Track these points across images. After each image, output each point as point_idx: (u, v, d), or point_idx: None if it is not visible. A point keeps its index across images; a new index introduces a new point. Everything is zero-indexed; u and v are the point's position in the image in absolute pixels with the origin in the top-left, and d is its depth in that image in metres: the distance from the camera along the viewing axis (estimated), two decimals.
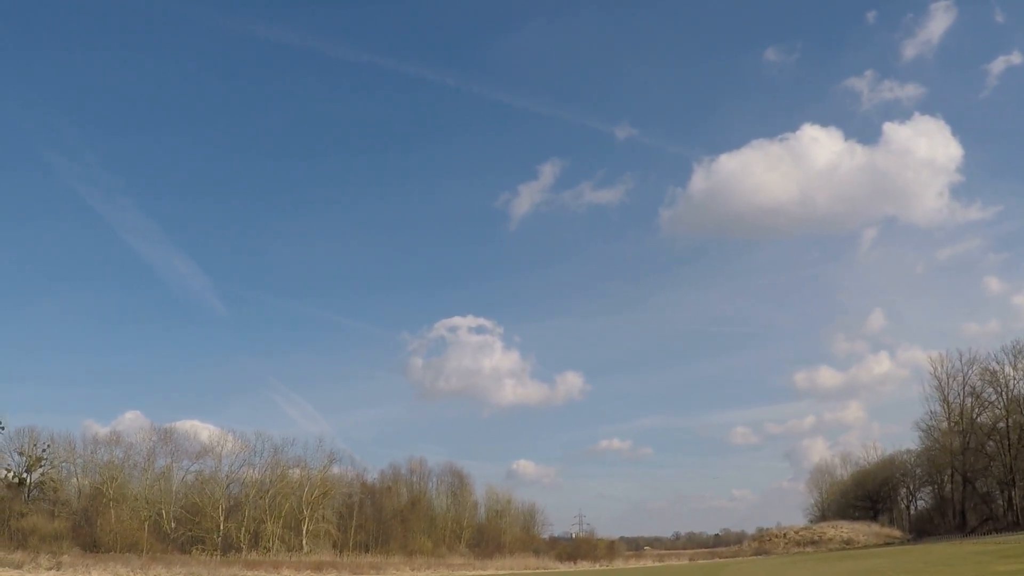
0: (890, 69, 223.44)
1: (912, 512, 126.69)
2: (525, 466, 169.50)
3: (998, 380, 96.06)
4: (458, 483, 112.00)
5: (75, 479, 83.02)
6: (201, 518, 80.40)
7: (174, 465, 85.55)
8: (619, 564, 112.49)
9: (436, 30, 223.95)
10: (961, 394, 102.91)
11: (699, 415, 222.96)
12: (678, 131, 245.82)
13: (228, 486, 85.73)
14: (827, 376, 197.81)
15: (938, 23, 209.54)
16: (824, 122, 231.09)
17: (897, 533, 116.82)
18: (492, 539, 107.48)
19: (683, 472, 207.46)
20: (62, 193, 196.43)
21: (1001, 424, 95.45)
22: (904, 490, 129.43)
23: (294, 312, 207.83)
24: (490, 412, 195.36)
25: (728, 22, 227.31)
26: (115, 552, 65.59)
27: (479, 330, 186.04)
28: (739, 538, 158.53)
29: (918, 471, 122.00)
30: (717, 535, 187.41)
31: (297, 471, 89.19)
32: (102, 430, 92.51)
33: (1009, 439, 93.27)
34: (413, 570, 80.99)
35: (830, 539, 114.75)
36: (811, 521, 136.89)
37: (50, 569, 54.37)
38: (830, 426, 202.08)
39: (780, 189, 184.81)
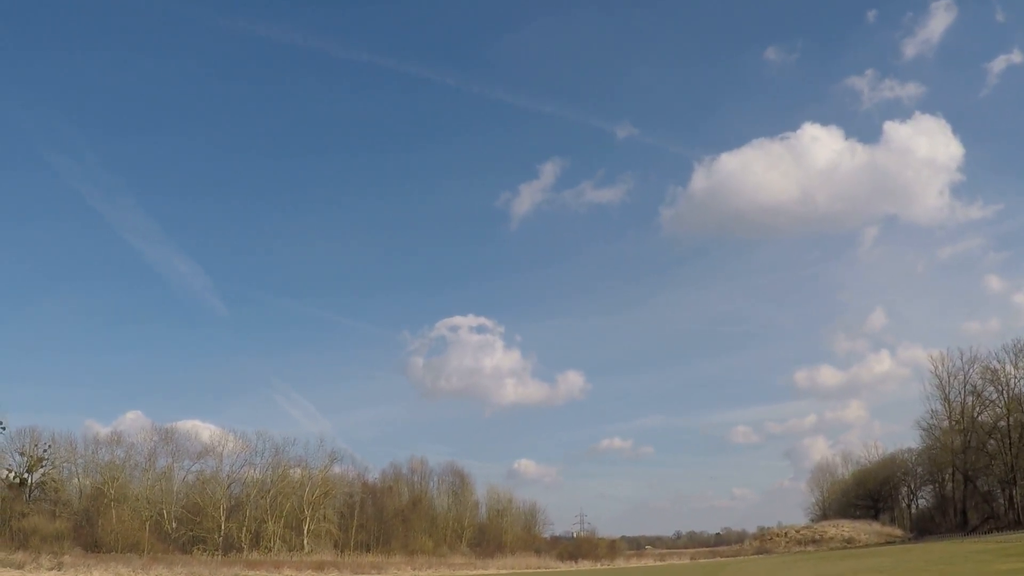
0: (890, 68, 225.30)
1: (913, 511, 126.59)
2: (526, 465, 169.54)
3: (999, 379, 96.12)
4: (459, 483, 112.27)
5: (76, 479, 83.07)
6: (202, 518, 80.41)
7: (175, 465, 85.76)
8: (620, 563, 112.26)
9: (436, 30, 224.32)
10: (962, 393, 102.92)
11: (700, 414, 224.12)
12: (679, 130, 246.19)
13: (229, 486, 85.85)
14: (828, 375, 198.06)
15: (938, 22, 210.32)
16: (825, 121, 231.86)
17: (898, 532, 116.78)
18: (493, 538, 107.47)
19: (684, 471, 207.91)
20: (63, 193, 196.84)
21: (1002, 423, 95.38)
22: (905, 489, 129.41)
23: (295, 312, 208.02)
24: (491, 411, 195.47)
25: (728, 21, 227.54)
26: (116, 552, 65.67)
27: (480, 329, 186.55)
28: (740, 537, 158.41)
29: (919, 470, 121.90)
30: (718, 534, 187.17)
31: (298, 471, 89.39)
32: (103, 430, 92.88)
33: (1010, 438, 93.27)
34: (414, 570, 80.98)
35: (831, 538, 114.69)
36: (812, 520, 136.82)
37: (51, 569, 54.46)
38: (831, 425, 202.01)
39: (781, 188, 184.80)
